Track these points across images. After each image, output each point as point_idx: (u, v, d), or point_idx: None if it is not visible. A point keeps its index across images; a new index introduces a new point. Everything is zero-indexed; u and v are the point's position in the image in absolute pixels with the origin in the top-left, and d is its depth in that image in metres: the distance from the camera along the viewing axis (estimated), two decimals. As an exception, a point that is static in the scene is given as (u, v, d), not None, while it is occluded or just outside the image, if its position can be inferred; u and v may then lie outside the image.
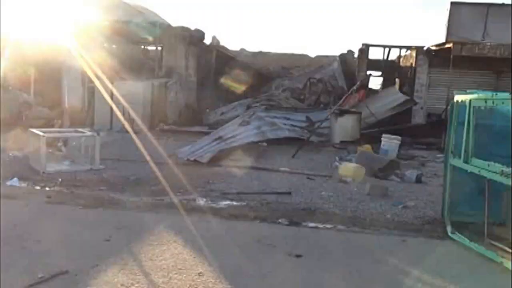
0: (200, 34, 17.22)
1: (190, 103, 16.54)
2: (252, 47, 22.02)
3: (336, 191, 7.43)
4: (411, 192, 7.68)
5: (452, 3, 12.50)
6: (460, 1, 12.52)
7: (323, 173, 8.83)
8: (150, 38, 15.26)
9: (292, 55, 20.85)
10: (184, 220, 5.48)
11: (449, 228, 5.45)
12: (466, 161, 5.54)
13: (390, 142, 10.16)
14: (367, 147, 10.11)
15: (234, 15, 46.19)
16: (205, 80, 17.64)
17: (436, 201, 7.13)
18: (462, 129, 5.94)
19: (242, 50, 20.97)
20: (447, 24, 12.63)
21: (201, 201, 6.51)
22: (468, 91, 6.07)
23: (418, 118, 15.72)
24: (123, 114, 12.96)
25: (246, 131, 10.37)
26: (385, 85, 18.08)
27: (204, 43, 17.62)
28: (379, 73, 18.23)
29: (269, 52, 20.91)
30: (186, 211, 5.95)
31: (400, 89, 15.53)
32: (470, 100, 5.54)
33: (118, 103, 13.31)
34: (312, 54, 20.91)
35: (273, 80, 19.07)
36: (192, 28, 16.74)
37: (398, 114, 14.49)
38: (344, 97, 13.20)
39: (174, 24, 16.73)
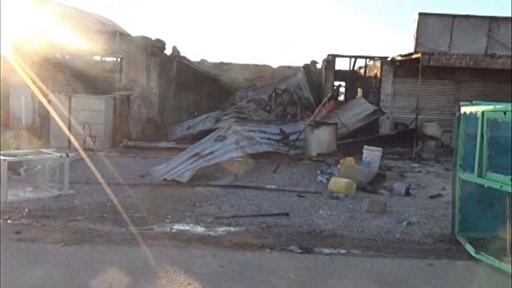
0: (161, 44, 16.44)
1: (152, 117, 15.67)
2: (213, 58, 21.46)
3: (333, 209, 7.03)
4: (407, 207, 7.43)
5: (420, 14, 12.63)
6: (428, 12, 12.67)
7: (311, 189, 8.42)
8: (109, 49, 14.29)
9: (255, 66, 20.49)
10: (187, 254, 4.83)
11: (469, 248, 5.17)
12: (480, 175, 5.32)
13: (372, 154, 9.95)
14: (349, 160, 9.84)
15: (193, 25, 45.14)
16: (167, 93, 16.85)
17: (436, 216, 6.94)
18: (470, 142, 5.77)
19: (203, 61, 20.35)
20: (415, 35, 12.76)
21: (196, 229, 5.85)
22: (474, 102, 5.89)
23: (385, 128, 15.81)
24: (84, 131, 11.97)
25: (224, 147, 9.78)
26: (349, 95, 18.16)
27: (165, 54, 16.85)
28: (343, 83, 18.32)
29: (230, 63, 20.43)
30: (184, 241, 5.29)
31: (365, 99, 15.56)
32: (482, 112, 5.34)
33: (77, 120, 12.31)
34: (274, 65, 20.66)
35: (236, 91, 18.58)
36: (153, 38, 15.95)
37: (367, 124, 14.46)
38: (318, 109, 12.96)
39: (133, 33, 15.84)
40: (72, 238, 5.27)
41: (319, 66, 18.47)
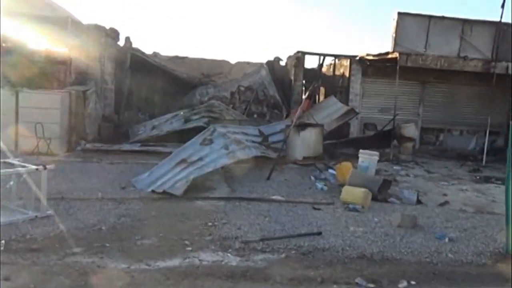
0: (115, 34, 14.85)
1: (108, 115, 14.07)
2: (165, 51, 19.91)
3: (361, 225, 6.36)
4: (429, 218, 6.97)
5: (399, 13, 12.38)
6: (406, 12, 12.46)
7: (320, 199, 7.71)
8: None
9: (212, 61, 19.29)
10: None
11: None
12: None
13: (369, 158, 9.44)
14: (346, 165, 9.24)
15: (142, 14, 41.73)
16: (121, 88, 15.26)
17: (468, 229, 6.51)
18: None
19: (155, 54, 18.77)
20: (393, 34, 12.49)
21: (229, 258, 4.86)
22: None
23: (354, 128, 15.55)
24: (36, 133, 10.25)
25: (214, 152, 8.73)
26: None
27: (118, 45, 15.24)
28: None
29: (186, 57, 19.05)
30: (227, 279, 4.30)
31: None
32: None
33: (25, 120, 10.55)
34: (232, 60, 19.65)
35: (195, 87, 17.34)
36: (107, 27, 14.32)
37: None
38: (300, 108, 12.29)
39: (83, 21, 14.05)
40: (84, 285, 4.06)
41: (282, 63, 17.77)
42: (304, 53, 15.41)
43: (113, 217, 6.07)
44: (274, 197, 7.59)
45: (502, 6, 12.46)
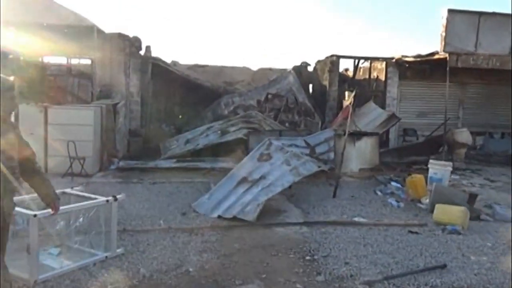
0: (139, 44, 13.99)
1: (135, 130, 13.17)
2: (183, 60, 19.07)
3: (478, 252, 5.49)
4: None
5: (449, 10, 11.57)
6: (456, 9, 11.66)
7: (412, 220, 6.83)
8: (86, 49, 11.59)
9: (233, 68, 18.51)
10: None
11: None
12: None
13: (443, 170, 8.57)
14: (418, 178, 8.38)
15: (160, 23, 40.56)
16: (145, 100, 14.38)
17: None
18: None
19: (174, 62, 17.93)
20: (444, 34, 11.67)
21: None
22: None
23: (393, 134, 14.74)
24: (69, 152, 9.35)
25: (276, 169, 7.83)
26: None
27: (140, 54, 14.37)
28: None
29: (206, 65, 18.26)
30: None
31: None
32: None
33: (55, 138, 9.63)
34: (253, 67, 18.85)
35: (220, 97, 16.47)
36: (130, 35, 13.47)
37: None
38: (341, 115, 11.48)
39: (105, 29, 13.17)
40: None
41: (310, 68, 16.96)
42: (338, 57, 14.58)
43: (194, 253, 5.16)
44: (357, 219, 6.71)
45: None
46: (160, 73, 15.29)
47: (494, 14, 11.98)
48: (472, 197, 7.56)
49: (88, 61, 12.74)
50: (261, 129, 11.97)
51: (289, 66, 18.17)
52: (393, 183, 9.34)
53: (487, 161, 13.98)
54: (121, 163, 10.59)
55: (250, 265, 4.86)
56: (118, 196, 5.01)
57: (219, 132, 11.85)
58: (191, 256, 5.06)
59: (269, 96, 15.86)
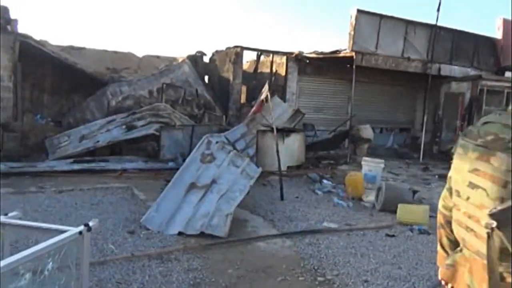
0: (7, 15, 11.29)
1: (7, 123, 10.60)
2: (55, 40, 16.26)
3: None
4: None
5: (358, 10, 11.89)
6: (363, 10, 12.06)
7: (381, 223, 6.64)
8: None
9: (116, 53, 16.44)
10: None
11: None
12: None
13: (376, 166, 8.67)
14: (357, 175, 8.33)
15: None
16: (14, 87, 11.73)
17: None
18: None
19: (42, 42, 15.11)
20: (352, 32, 11.97)
21: None
22: None
23: (293, 129, 14.78)
24: None
25: (226, 171, 6.86)
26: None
27: (9, 29, 11.64)
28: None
29: (84, 48, 15.85)
30: None
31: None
32: None
33: None
34: (139, 53, 17.07)
35: (105, 85, 14.41)
36: (-3, 4, 10.76)
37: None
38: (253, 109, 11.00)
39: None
40: None
41: (205, 59, 16.01)
42: (243, 48, 13.97)
43: (185, 286, 4.05)
44: (327, 224, 6.26)
45: (438, 9, 13.01)
46: (28, 55, 12.65)
47: (391, 17, 12.77)
48: (414, 193, 7.78)
49: None
50: (172, 123, 10.71)
51: (179, 54, 17.03)
52: (325, 181, 9.18)
53: (374, 153, 15.03)
54: (2, 166, 8.31)
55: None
56: (91, 223, 3.60)
57: (124, 127, 10.21)
58: (186, 293, 3.95)
59: (164, 87, 14.48)
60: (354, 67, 12.17)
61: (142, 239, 5.34)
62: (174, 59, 17.23)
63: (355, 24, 11.95)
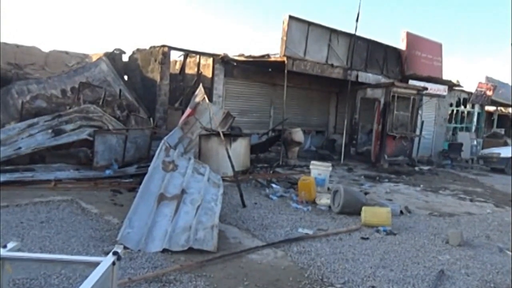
0: None
1: None
2: None
3: (441, 252, 5.90)
4: (441, 230, 7.09)
5: (290, 17, 12.11)
6: (295, 16, 12.32)
7: (350, 226, 6.82)
8: None
9: (18, 47, 14.63)
10: None
11: None
12: None
13: (324, 170, 8.92)
14: (309, 180, 8.48)
15: None
16: None
17: (491, 237, 6.91)
18: None
19: None
20: (284, 38, 12.16)
21: None
22: None
23: (220, 132, 14.59)
24: None
25: (193, 180, 6.44)
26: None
27: None
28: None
29: (-23, 40, 13.85)
30: None
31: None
32: None
33: None
34: (44, 48, 15.42)
35: (8, 83, 12.72)
36: None
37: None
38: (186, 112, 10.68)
39: None
40: None
41: (125, 57, 15.02)
42: (170, 48, 13.37)
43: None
44: (302, 230, 6.27)
45: (357, 20, 13.91)
46: None
47: (318, 25, 13.28)
48: (365, 195, 8.17)
49: None
50: (104, 126, 9.84)
51: (91, 51, 15.79)
52: (273, 185, 9.20)
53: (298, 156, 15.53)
54: None
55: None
56: (118, 250, 3.12)
57: (50, 131, 9.08)
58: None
59: (80, 86, 13.26)
60: (286, 72, 12.39)
61: (125, 259, 4.77)
62: (86, 56, 15.93)
63: (287, 30, 12.18)
